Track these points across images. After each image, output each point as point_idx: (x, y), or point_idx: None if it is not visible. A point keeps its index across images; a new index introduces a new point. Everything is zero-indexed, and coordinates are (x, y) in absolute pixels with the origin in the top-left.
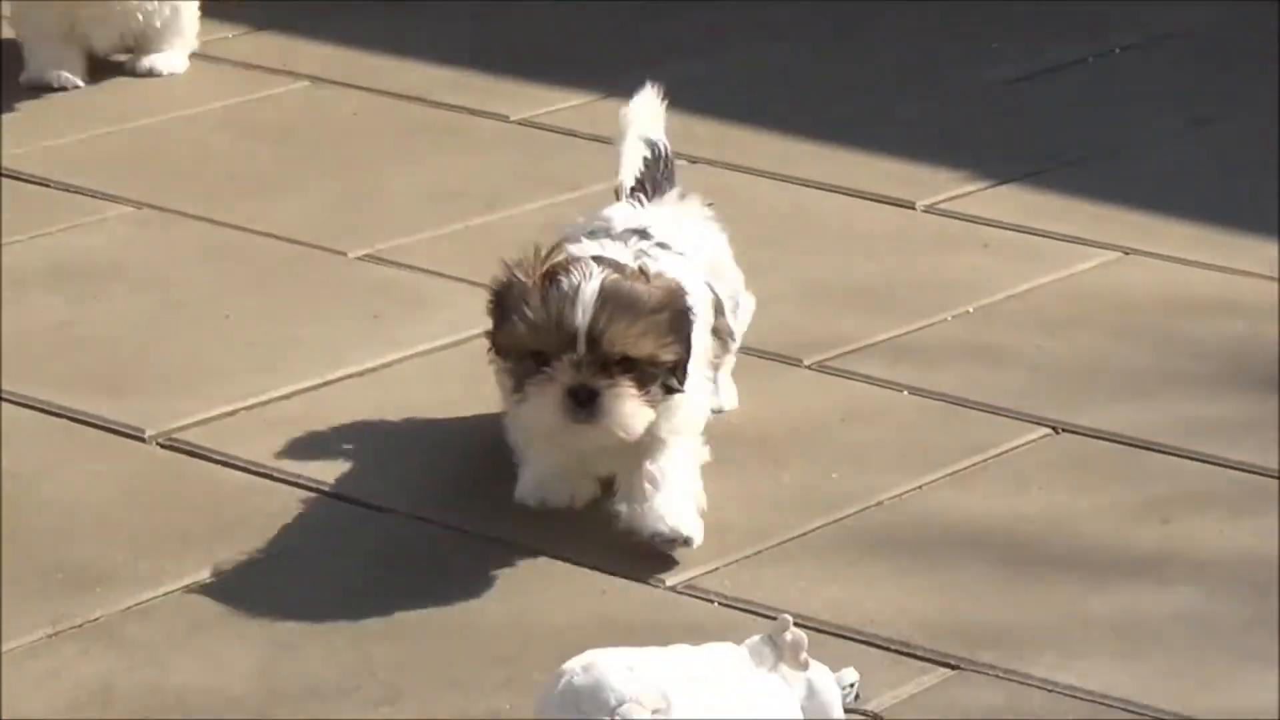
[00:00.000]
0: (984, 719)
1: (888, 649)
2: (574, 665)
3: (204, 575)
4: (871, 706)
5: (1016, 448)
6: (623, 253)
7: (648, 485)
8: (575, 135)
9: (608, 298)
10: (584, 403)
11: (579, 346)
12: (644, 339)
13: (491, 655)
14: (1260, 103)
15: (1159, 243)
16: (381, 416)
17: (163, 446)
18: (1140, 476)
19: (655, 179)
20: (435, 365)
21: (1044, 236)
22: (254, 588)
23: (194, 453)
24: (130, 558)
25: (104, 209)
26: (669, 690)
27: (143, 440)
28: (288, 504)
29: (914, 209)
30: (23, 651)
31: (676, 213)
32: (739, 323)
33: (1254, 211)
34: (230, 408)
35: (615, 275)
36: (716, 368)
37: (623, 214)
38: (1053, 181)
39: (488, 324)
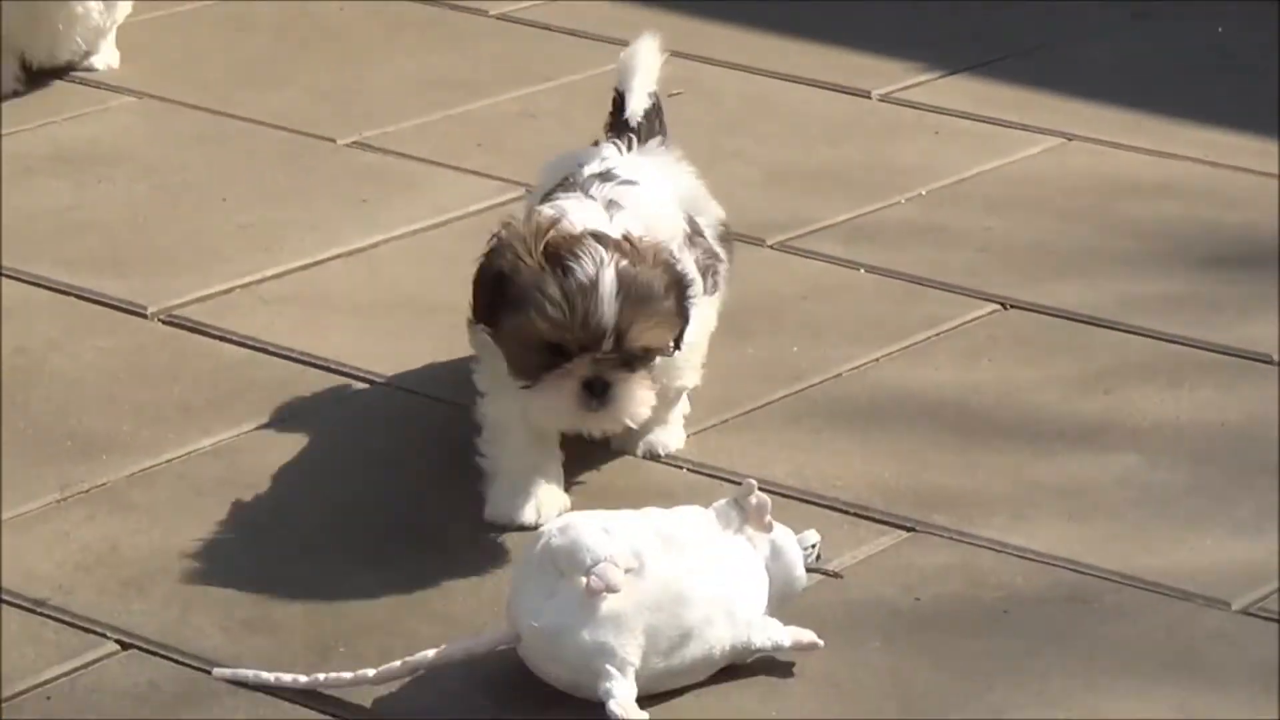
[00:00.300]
0: (938, 578)
1: (847, 512)
2: (552, 528)
3: (204, 444)
4: (833, 566)
5: (967, 323)
6: (594, 209)
7: (650, 422)
8: (550, 29)
9: (626, 289)
10: (599, 394)
11: (605, 343)
12: (662, 329)
13: (472, 517)
14: None
15: (1100, 129)
16: (370, 294)
17: (164, 322)
18: (1084, 350)
19: (646, 127)
20: (420, 245)
21: (991, 124)
22: (250, 455)
23: (193, 328)
24: (134, 427)
25: (107, 99)
26: (641, 550)
27: (145, 316)
28: (282, 376)
29: (869, 98)
30: (33, 515)
31: (654, 158)
32: (727, 249)
33: (1190, 99)
34: (227, 285)
35: (623, 260)
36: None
37: (593, 157)
38: (999, 72)
39: (483, 232)
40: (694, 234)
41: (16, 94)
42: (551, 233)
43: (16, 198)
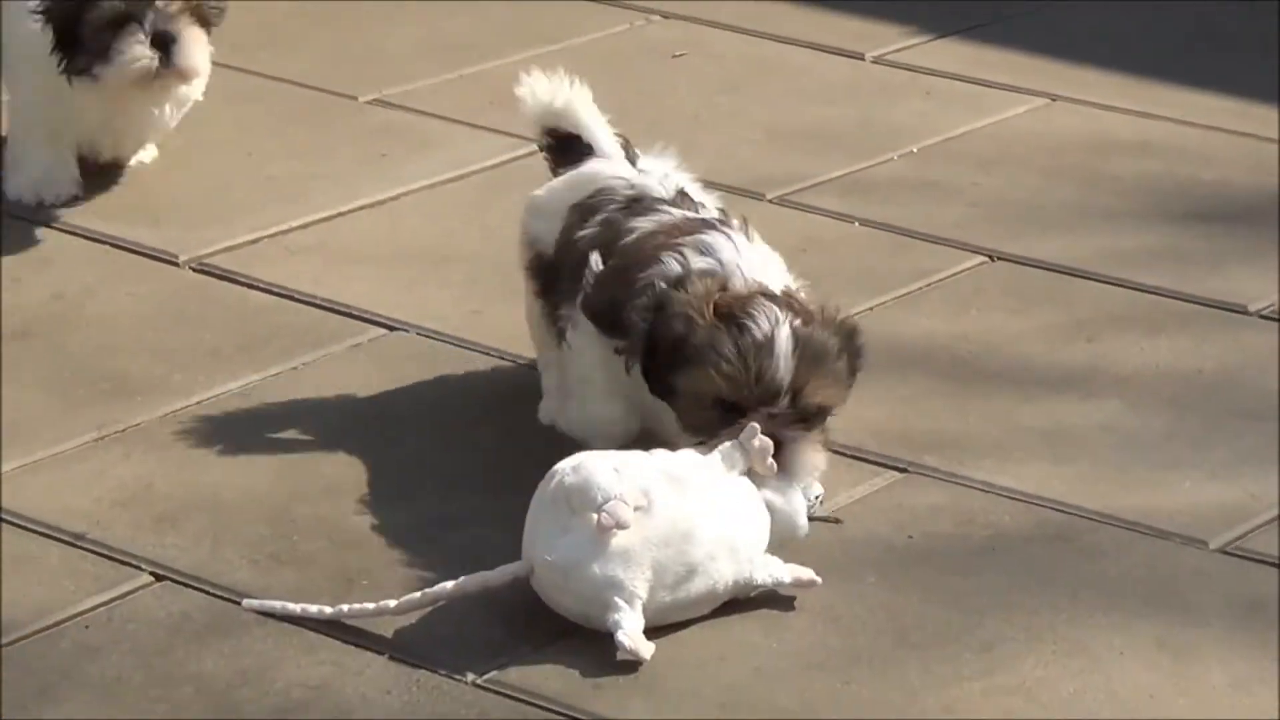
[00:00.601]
0: (929, 517)
1: (843, 454)
2: (565, 466)
3: (232, 386)
4: (830, 507)
5: (956, 274)
6: (729, 247)
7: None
8: None
9: (802, 348)
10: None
11: (781, 401)
12: (837, 388)
13: (488, 454)
14: None
15: (1083, 91)
16: (389, 244)
17: (194, 270)
18: (1067, 300)
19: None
20: (437, 198)
21: (980, 85)
22: (276, 397)
23: (222, 276)
24: (166, 370)
25: None
26: (650, 489)
27: (177, 264)
28: (306, 322)
29: (863, 60)
30: (71, 454)
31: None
32: None
33: (1169, 63)
34: (254, 236)
35: (796, 319)
36: None
37: (608, 171)
38: (988, 35)
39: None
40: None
41: (76, 199)
42: (720, 293)
43: None
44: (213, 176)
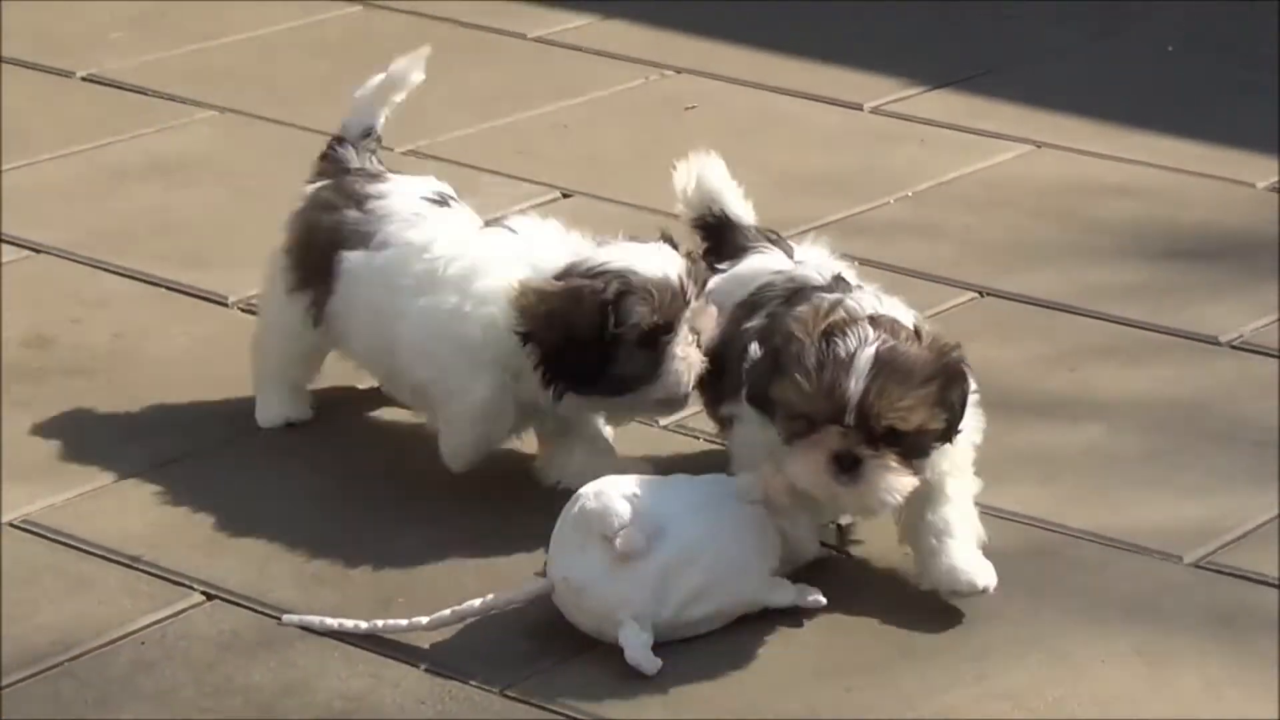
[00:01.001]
0: None
1: None
2: (588, 490)
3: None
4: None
5: (949, 308)
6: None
7: (933, 540)
8: (580, 50)
9: (882, 368)
10: (847, 468)
11: (848, 418)
12: (913, 412)
13: (515, 481)
14: (1153, 18)
15: (1066, 138)
16: None
17: (242, 310)
18: (1052, 332)
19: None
20: None
21: (970, 133)
22: (318, 425)
23: None
24: (217, 401)
25: (192, 113)
26: (665, 514)
27: (226, 305)
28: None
29: (862, 110)
30: (129, 482)
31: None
32: None
33: (1147, 111)
34: None
35: (891, 341)
36: None
37: (768, 265)
38: (977, 86)
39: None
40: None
41: (289, 423)
42: (834, 313)
43: (114, 201)
44: (258, 222)
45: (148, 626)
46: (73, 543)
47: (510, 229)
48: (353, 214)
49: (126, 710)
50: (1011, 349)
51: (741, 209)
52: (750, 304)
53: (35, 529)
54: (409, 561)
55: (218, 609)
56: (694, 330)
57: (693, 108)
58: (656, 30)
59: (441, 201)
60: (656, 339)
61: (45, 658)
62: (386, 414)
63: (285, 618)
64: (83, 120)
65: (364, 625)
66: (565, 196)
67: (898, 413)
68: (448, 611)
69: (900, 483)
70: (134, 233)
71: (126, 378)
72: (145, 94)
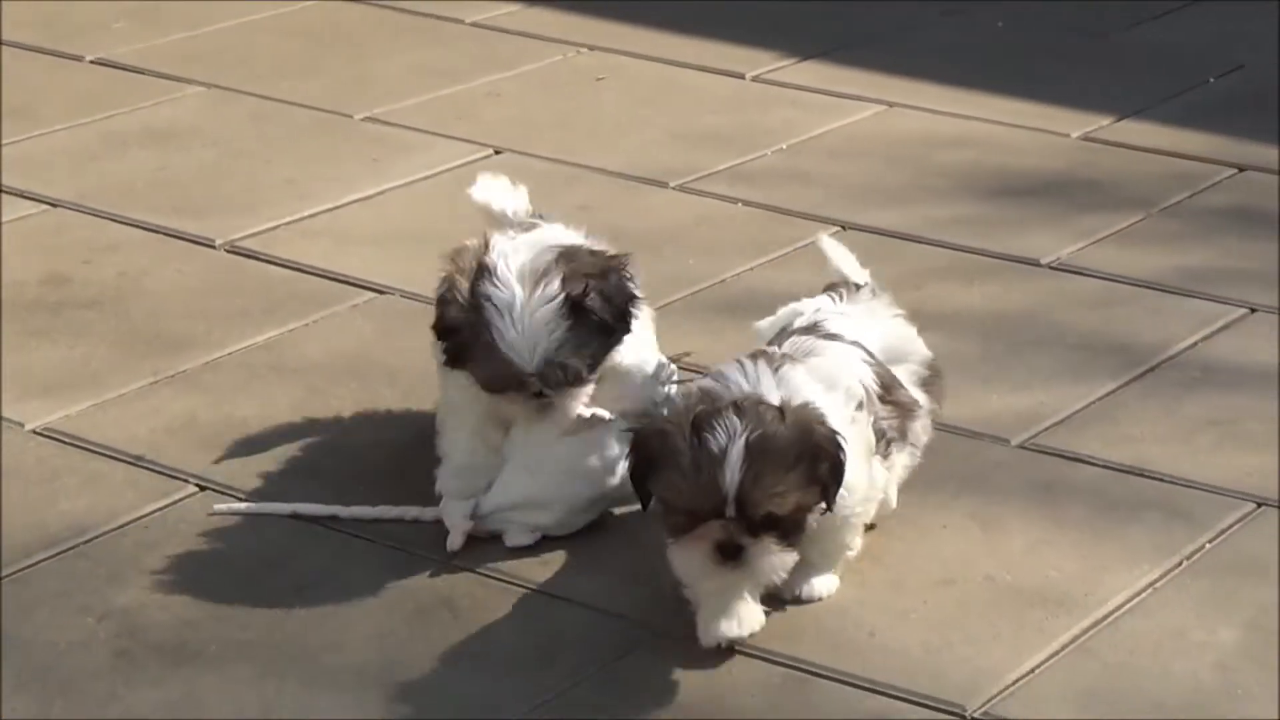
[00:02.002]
0: None
1: None
2: None
3: (260, 339)
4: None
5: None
6: (757, 372)
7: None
8: (509, 32)
9: (751, 461)
10: (732, 556)
11: (728, 509)
12: (787, 496)
13: None
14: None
15: (914, 98)
16: (380, 228)
17: (228, 251)
18: (902, 258)
19: (850, 280)
20: (416, 192)
21: (834, 96)
22: (292, 348)
23: (249, 255)
24: (206, 328)
25: (184, 89)
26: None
27: (214, 247)
28: (315, 289)
29: (744, 79)
30: (132, 394)
31: (863, 306)
32: (933, 394)
33: (979, 76)
34: (274, 224)
35: (758, 429)
36: (886, 456)
37: (809, 308)
38: (839, 58)
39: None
40: (884, 390)
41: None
42: (700, 406)
43: (117, 163)
44: (241, 179)
45: (150, 514)
46: (85, 445)
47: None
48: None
49: (135, 583)
50: (868, 270)
51: (858, 275)
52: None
53: (54, 434)
54: (370, 456)
55: (208, 498)
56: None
57: (603, 78)
58: (574, 15)
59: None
60: (505, 384)
61: (63, 540)
62: (352, 334)
63: (216, 507)
64: (91, 96)
65: (285, 508)
66: (497, 153)
67: (776, 500)
68: (367, 509)
69: (783, 561)
70: (135, 189)
71: (129, 309)
72: (143, 73)
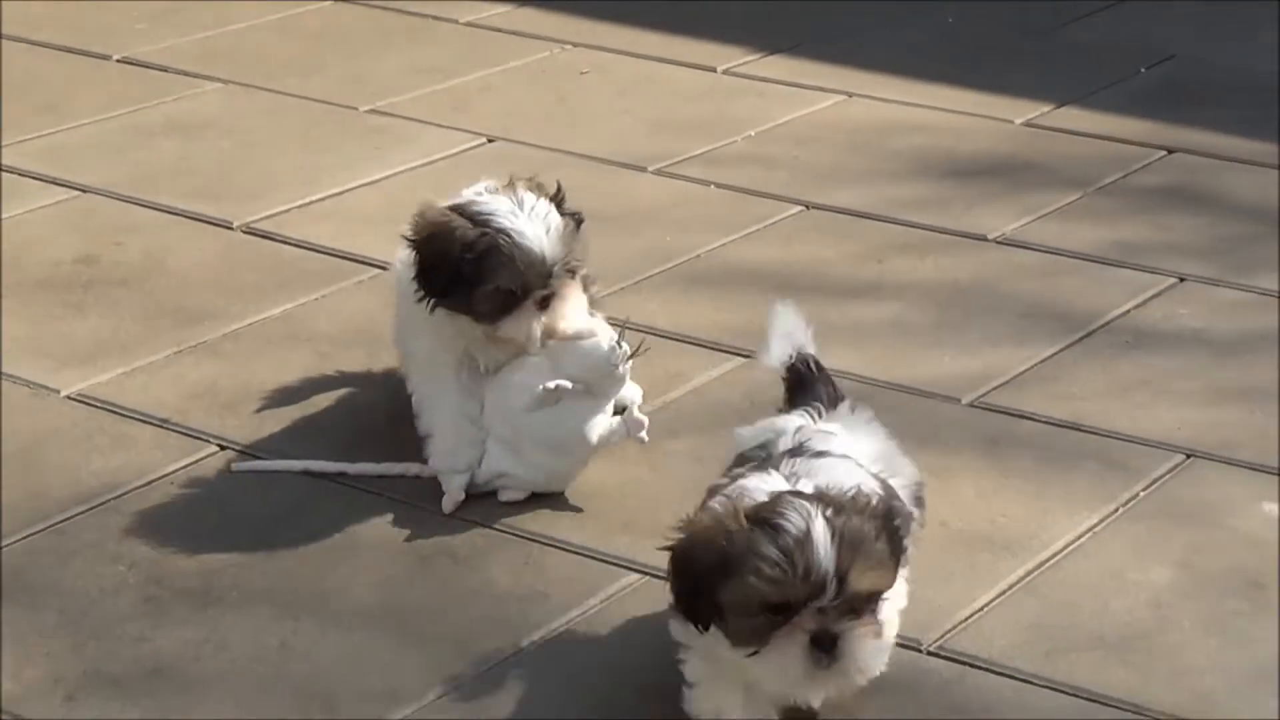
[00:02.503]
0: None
1: (701, 345)
2: None
3: (274, 312)
4: (692, 384)
5: (783, 219)
6: (778, 480)
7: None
8: (500, 30)
9: (840, 536)
10: (827, 649)
11: (828, 592)
12: (880, 570)
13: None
14: None
15: (872, 89)
16: (382, 210)
17: (244, 232)
18: (862, 235)
19: (821, 393)
20: (415, 177)
21: (798, 87)
22: (304, 319)
23: (264, 235)
24: (225, 302)
25: (203, 85)
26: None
27: (231, 229)
28: (323, 266)
29: (716, 72)
30: (159, 363)
31: (844, 422)
32: (919, 513)
33: (931, 68)
34: (286, 206)
35: (830, 510)
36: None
37: (790, 426)
38: (802, 52)
39: (457, 169)
40: (889, 494)
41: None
42: (748, 501)
43: (143, 153)
44: (256, 166)
45: (175, 471)
46: (116, 409)
47: None
48: None
49: (162, 533)
50: (831, 248)
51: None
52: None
53: (87, 399)
54: (373, 416)
55: (228, 457)
56: (549, 300)
57: (586, 73)
58: (559, 15)
59: None
60: (511, 300)
61: (97, 496)
62: (357, 307)
63: (234, 465)
64: (118, 92)
65: (298, 465)
66: (490, 142)
67: (872, 576)
68: (373, 465)
69: (880, 646)
70: (158, 176)
71: (154, 285)
72: (165, 71)
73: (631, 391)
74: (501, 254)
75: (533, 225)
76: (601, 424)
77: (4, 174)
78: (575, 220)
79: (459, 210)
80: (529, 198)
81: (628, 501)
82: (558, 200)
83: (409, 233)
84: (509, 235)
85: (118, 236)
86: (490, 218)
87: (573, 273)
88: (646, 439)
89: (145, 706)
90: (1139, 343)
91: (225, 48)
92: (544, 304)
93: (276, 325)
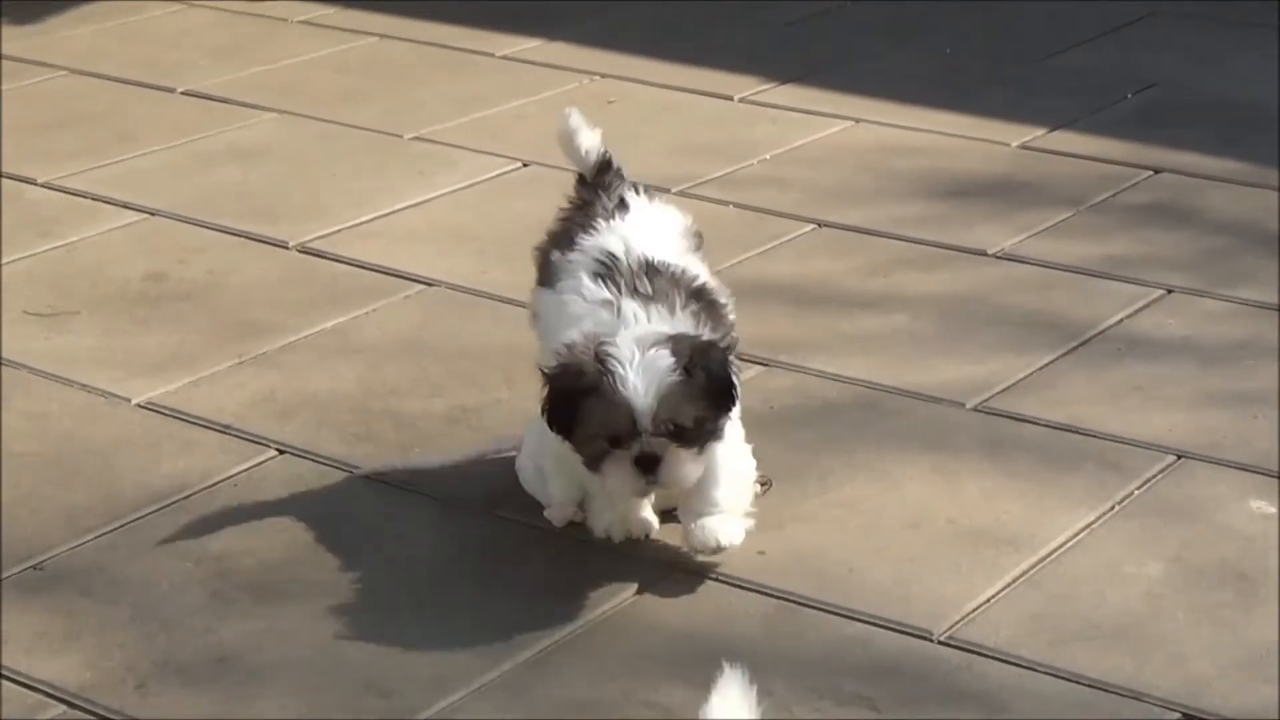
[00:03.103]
0: (783, 394)
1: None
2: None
3: (326, 325)
4: None
5: (796, 237)
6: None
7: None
8: (534, 64)
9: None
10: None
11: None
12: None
13: (499, 360)
14: (936, 29)
15: (876, 115)
16: (427, 230)
17: (299, 251)
18: (870, 250)
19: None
20: (458, 199)
21: (808, 113)
22: (355, 332)
23: (317, 254)
24: (282, 317)
25: (260, 115)
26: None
27: (287, 248)
28: (372, 283)
29: (732, 100)
30: (221, 373)
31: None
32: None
33: (932, 94)
34: (338, 227)
35: (655, 350)
36: None
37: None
38: (813, 81)
39: (494, 191)
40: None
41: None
42: (595, 347)
43: (205, 178)
44: (309, 190)
45: (237, 474)
46: (183, 417)
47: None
48: None
49: (226, 530)
50: (841, 263)
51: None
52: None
53: (156, 408)
54: (423, 423)
55: (287, 461)
56: (650, 462)
57: (613, 102)
58: (588, 49)
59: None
60: (604, 449)
61: (166, 497)
62: (404, 321)
63: (361, 469)
64: (182, 122)
65: (399, 465)
66: (525, 166)
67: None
68: (471, 450)
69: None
70: (220, 199)
71: (217, 301)
72: (226, 102)
73: None
74: (599, 398)
75: (636, 376)
76: None
77: (80, 199)
78: (703, 376)
79: (592, 346)
80: (653, 349)
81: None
82: (694, 356)
83: (547, 364)
84: (611, 379)
85: (183, 255)
86: (607, 359)
87: (679, 436)
88: None
89: (212, 693)
90: (1130, 351)
91: (280, 81)
92: (643, 464)
93: (330, 338)
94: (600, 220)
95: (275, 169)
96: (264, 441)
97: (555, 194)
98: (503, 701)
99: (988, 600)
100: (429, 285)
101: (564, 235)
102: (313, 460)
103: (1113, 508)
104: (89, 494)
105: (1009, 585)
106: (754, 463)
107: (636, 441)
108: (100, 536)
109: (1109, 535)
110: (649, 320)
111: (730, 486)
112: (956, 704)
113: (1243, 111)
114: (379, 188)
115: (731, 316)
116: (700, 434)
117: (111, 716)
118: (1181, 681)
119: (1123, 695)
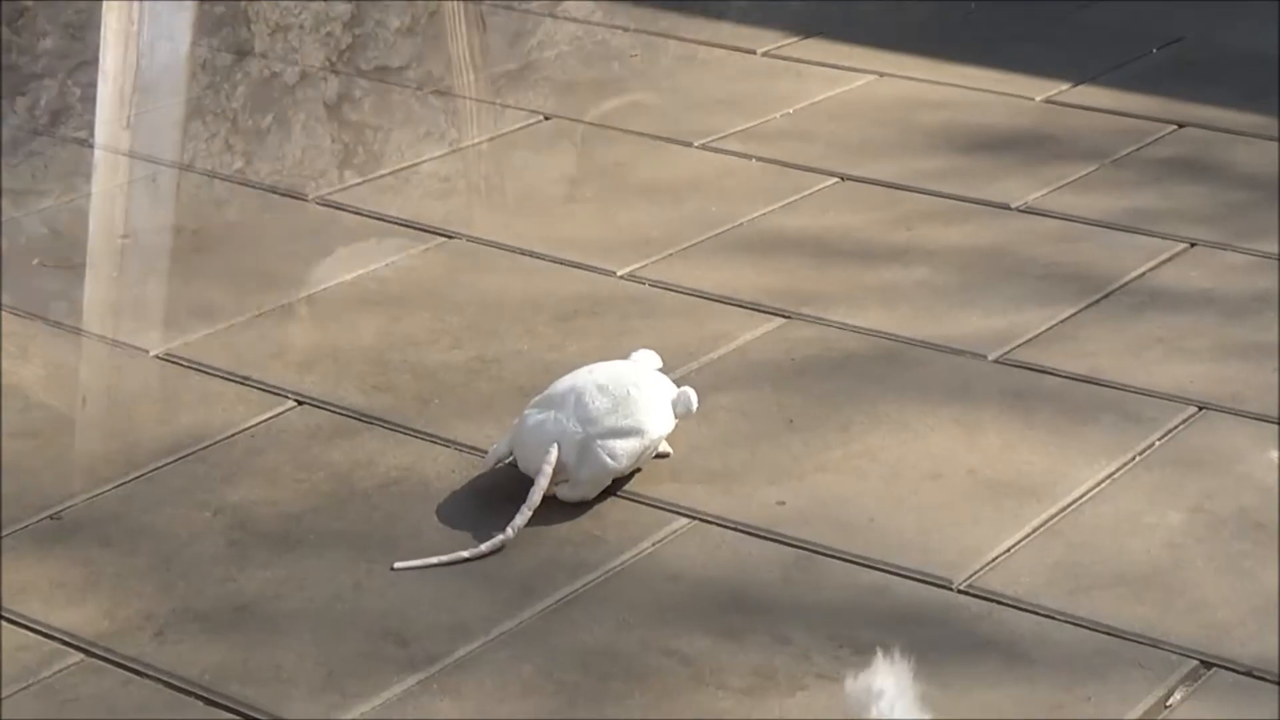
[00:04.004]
0: (805, 345)
1: (744, 306)
2: (531, 408)
3: (346, 278)
4: (736, 343)
5: (819, 190)
6: None
7: None
8: (556, 18)
9: None
10: None
11: None
12: None
13: (519, 312)
14: None
15: (900, 69)
16: (448, 184)
17: (319, 204)
18: (893, 204)
19: None
20: (479, 152)
21: (832, 67)
22: (376, 284)
23: (338, 207)
24: (303, 269)
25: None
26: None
27: (307, 200)
28: (394, 234)
29: (755, 54)
30: (241, 324)
31: None
32: None
33: (956, 49)
34: (358, 180)
35: None
36: None
37: None
38: (836, 35)
39: (517, 143)
40: None
41: None
42: None
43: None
44: (328, 150)
45: (256, 424)
46: (202, 368)
47: None
48: None
49: (244, 481)
50: (864, 216)
51: None
52: None
53: (175, 359)
54: (442, 374)
55: (305, 411)
56: None
57: (636, 55)
58: (610, 2)
59: None
60: None
61: (185, 447)
62: (425, 272)
63: (396, 565)
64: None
65: (444, 559)
66: (546, 119)
67: None
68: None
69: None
70: (246, 154)
71: (239, 253)
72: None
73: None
74: None
75: None
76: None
77: (96, 151)
78: None
79: None
80: None
81: (676, 450)
82: None
83: None
84: None
85: (204, 211)
86: None
87: None
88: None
89: (231, 641)
90: (1152, 303)
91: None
92: None
93: (349, 289)
94: None
95: (291, 138)
96: (283, 393)
97: (575, 146)
98: (521, 650)
99: (1008, 550)
100: (449, 237)
101: None
102: (332, 411)
103: (1134, 458)
104: (107, 444)
105: (1030, 535)
106: None
107: None
108: (119, 486)
109: (1130, 485)
110: None
111: None
112: (977, 652)
113: (1269, 66)
114: (400, 141)
115: None
116: None
117: (130, 664)
118: (1201, 629)
119: (1142, 643)
